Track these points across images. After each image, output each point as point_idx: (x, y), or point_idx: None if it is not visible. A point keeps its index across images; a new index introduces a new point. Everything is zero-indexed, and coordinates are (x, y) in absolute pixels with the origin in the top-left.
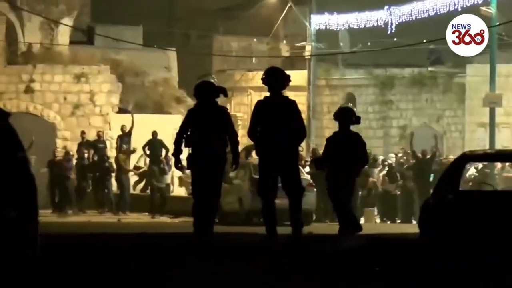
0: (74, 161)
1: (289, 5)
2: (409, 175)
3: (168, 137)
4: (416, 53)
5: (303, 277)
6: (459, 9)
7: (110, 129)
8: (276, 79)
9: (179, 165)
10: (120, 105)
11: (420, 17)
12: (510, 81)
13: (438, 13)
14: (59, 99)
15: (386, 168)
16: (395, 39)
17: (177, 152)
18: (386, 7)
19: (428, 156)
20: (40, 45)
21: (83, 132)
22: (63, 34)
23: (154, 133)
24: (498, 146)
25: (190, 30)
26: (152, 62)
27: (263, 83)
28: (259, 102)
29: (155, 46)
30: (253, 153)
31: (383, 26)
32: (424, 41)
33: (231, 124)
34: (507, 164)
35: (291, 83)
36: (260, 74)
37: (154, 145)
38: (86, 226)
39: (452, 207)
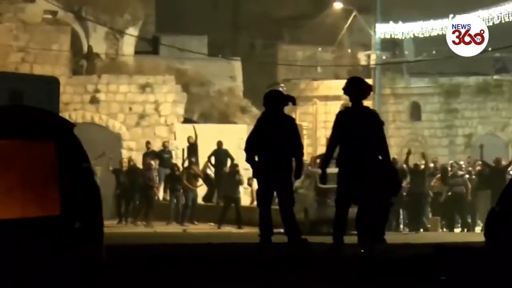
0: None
1: (354, 14)
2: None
3: (233, 147)
4: (481, 61)
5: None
6: None
7: (175, 139)
8: (358, 89)
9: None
10: (185, 115)
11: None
12: None
13: (503, 21)
14: (124, 109)
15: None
16: None
17: (251, 160)
18: (451, 15)
19: (504, 164)
20: (106, 55)
21: (148, 142)
22: (128, 44)
23: (219, 143)
24: None
25: (255, 39)
26: (217, 71)
27: (344, 93)
28: (340, 112)
29: (220, 55)
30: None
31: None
32: (490, 49)
33: (298, 135)
34: None
35: None
36: (325, 83)
37: (219, 155)
38: (151, 236)
39: None
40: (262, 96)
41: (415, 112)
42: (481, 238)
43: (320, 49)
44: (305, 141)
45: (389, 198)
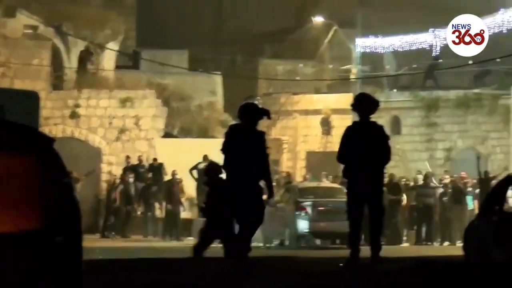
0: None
1: (334, 28)
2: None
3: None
4: (462, 75)
5: None
6: (505, 31)
7: (156, 154)
8: (367, 104)
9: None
10: (166, 130)
11: None
12: None
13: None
14: (105, 123)
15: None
16: (440, 60)
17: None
18: (431, 29)
19: (492, 175)
20: (86, 70)
21: (128, 157)
22: (109, 59)
23: (205, 157)
24: None
25: (236, 54)
26: (198, 86)
27: (352, 110)
28: (349, 127)
29: (200, 70)
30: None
31: (428, 48)
32: (470, 62)
33: (265, 150)
34: None
35: (337, 106)
36: (306, 97)
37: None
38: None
39: (497, 228)
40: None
41: (396, 126)
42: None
43: (300, 64)
44: (285, 155)
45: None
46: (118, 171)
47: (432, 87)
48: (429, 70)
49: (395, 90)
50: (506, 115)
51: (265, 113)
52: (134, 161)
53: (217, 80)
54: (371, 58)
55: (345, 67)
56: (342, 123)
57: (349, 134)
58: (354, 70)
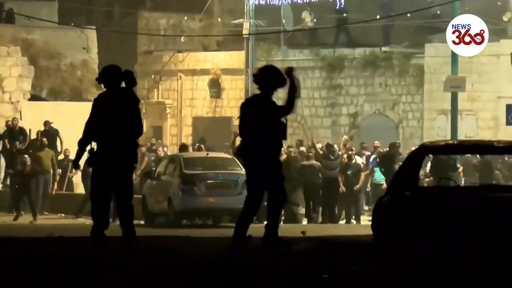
0: None
1: None
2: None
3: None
4: (369, 31)
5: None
6: None
7: (21, 119)
8: (271, 78)
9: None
10: (33, 92)
11: None
12: (475, 62)
13: None
14: None
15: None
16: (344, 14)
17: (84, 146)
18: None
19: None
20: None
21: None
22: None
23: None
24: (461, 136)
25: (112, 5)
26: (69, 42)
27: (255, 82)
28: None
29: (72, 24)
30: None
31: (330, 0)
32: (378, 17)
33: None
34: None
35: (228, 66)
36: (192, 55)
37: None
38: None
39: (410, 205)
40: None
41: None
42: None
43: (186, 17)
44: (169, 121)
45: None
46: None
47: (344, 44)
48: (340, 24)
49: (293, 48)
50: (419, 76)
51: (129, 76)
52: None
53: (91, 35)
54: (266, 11)
55: (236, 21)
56: (233, 85)
57: (247, 110)
58: (247, 25)
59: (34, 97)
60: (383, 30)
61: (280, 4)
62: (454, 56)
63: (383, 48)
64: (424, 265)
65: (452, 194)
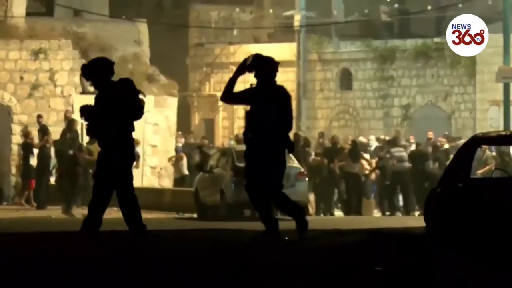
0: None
1: None
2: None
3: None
4: (421, 22)
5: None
6: None
7: (73, 112)
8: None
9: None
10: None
11: None
12: None
13: None
14: (15, 78)
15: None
16: (396, 5)
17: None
18: None
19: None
20: None
21: (39, 116)
22: (19, 5)
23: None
24: None
25: None
26: (120, 35)
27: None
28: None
29: (123, 17)
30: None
31: None
32: (429, 7)
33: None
34: None
35: (279, 58)
36: (243, 48)
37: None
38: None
39: (463, 197)
40: (172, 64)
41: (346, 80)
42: (420, 223)
43: (237, 9)
44: (221, 114)
45: None
46: (33, 132)
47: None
48: (392, 15)
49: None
50: (471, 67)
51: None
52: (49, 121)
53: (142, 28)
54: (317, 3)
55: (287, 13)
56: (284, 77)
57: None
58: (298, 17)
59: (85, 91)
60: (435, 21)
61: None
62: (506, 47)
63: (435, 39)
64: (477, 257)
65: (505, 186)
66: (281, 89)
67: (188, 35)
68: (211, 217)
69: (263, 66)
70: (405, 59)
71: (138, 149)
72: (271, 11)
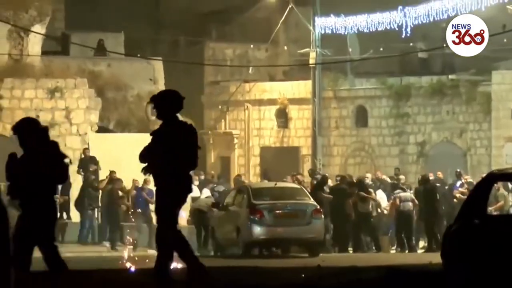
0: None
1: (290, 6)
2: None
3: None
4: (435, 59)
5: None
6: (483, 9)
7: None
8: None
9: None
10: (100, 123)
11: (438, 18)
12: None
13: (459, 13)
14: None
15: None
16: (410, 43)
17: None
18: (399, 7)
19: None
20: (9, 56)
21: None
22: (34, 44)
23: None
24: None
25: (178, 36)
26: (136, 73)
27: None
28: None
29: (138, 55)
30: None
31: (396, 29)
32: (444, 45)
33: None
34: None
35: (295, 95)
36: (258, 85)
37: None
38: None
39: (480, 233)
40: (188, 101)
41: (361, 117)
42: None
43: (252, 46)
44: (237, 151)
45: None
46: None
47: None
48: (407, 52)
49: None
50: (487, 104)
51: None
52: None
53: (158, 66)
54: (332, 40)
55: (302, 50)
56: (300, 114)
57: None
58: (313, 54)
59: (101, 129)
60: (448, 58)
61: (346, 33)
62: None
63: (450, 76)
64: None
65: None
66: (185, 126)
67: (204, 73)
68: (227, 255)
69: (160, 105)
70: (421, 96)
71: (150, 187)
72: (286, 48)
